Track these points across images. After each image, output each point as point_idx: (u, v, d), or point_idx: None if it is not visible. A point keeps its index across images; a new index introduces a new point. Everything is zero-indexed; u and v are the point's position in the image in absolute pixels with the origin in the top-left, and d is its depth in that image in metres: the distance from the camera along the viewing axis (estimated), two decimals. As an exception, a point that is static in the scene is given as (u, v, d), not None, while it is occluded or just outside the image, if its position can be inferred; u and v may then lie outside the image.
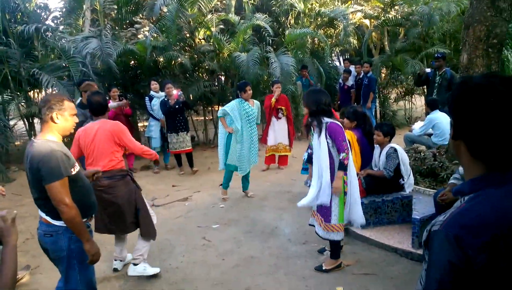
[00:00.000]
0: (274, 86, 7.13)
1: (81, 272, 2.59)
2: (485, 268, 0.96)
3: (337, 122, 3.58)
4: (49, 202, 2.43)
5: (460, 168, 3.88)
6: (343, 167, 3.48)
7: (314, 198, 3.67)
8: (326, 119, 3.56)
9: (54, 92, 8.58)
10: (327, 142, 3.52)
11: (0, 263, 1.67)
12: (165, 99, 7.12)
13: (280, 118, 7.20)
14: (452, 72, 7.72)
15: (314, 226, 3.80)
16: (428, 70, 7.84)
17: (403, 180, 4.54)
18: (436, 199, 3.75)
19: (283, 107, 7.12)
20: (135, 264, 3.72)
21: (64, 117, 2.51)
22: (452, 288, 1.00)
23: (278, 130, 7.20)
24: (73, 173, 2.48)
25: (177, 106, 7.01)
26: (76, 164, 2.58)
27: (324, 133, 3.53)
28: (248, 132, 5.72)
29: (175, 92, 7.14)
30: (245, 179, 5.95)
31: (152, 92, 7.51)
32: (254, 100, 5.90)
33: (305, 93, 3.83)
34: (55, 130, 2.50)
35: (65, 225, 2.46)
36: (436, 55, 7.87)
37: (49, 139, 2.47)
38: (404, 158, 4.50)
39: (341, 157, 3.47)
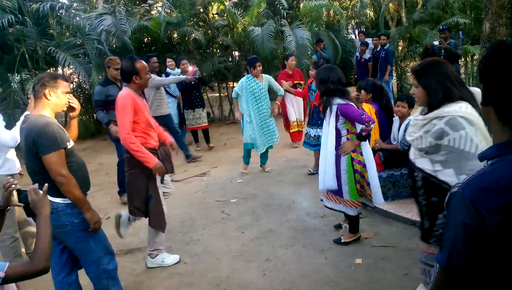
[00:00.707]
0: (288, 59, 6.95)
1: (95, 240, 2.64)
2: (498, 230, 0.98)
3: (348, 102, 3.45)
4: (47, 178, 2.42)
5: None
6: (361, 137, 3.43)
7: (321, 182, 3.64)
8: (337, 100, 3.45)
9: (71, 70, 8.67)
10: (337, 122, 3.47)
11: (37, 231, 1.77)
12: (181, 75, 7.13)
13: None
14: (456, 42, 7.67)
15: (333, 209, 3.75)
16: (436, 43, 7.75)
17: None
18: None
19: (301, 82, 7.00)
20: (152, 257, 3.61)
21: (57, 94, 2.53)
22: (465, 248, 1.03)
23: (296, 105, 7.07)
24: (69, 146, 2.52)
25: (192, 82, 7.01)
26: (71, 139, 2.61)
27: (334, 115, 3.46)
28: (255, 110, 5.60)
29: (190, 68, 7.14)
30: (264, 155, 5.96)
31: (168, 69, 7.48)
32: (263, 75, 5.75)
33: (316, 72, 3.76)
34: (48, 107, 2.53)
35: (64, 201, 2.50)
36: (441, 28, 7.81)
37: (43, 114, 2.50)
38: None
39: (359, 129, 3.42)
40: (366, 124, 3.37)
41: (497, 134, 1.12)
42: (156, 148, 3.44)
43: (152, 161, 3.25)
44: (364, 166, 3.52)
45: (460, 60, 8.37)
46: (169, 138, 3.70)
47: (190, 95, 7.18)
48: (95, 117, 5.67)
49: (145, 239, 3.86)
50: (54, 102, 2.54)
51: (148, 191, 3.35)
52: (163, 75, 7.62)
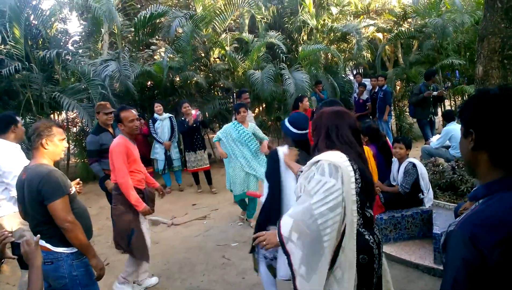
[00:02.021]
0: (303, 101, 6.69)
1: None
2: (499, 264, 0.99)
3: None
4: (50, 228, 2.44)
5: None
6: None
7: None
8: None
9: (74, 114, 8.83)
10: None
11: (28, 283, 1.77)
12: (183, 118, 7.25)
13: None
14: (437, 86, 8.62)
15: None
16: (435, 93, 8.19)
17: (423, 194, 4.51)
18: (457, 213, 3.71)
19: None
20: (118, 282, 3.83)
21: (54, 142, 2.57)
22: (467, 285, 1.03)
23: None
24: (71, 192, 2.54)
25: (194, 125, 7.13)
26: (73, 186, 2.64)
27: None
28: (241, 155, 5.40)
29: (193, 112, 7.27)
30: (250, 207, 5.63)
31: (155, 115, 7.55)
32: (249, 123, 5.62)
33: (317, 108, 3.76)
34: (46, 156, 2.57)
35: (66, 251, 2.49)
36: (431, 71, 8.44)
37: (42, 163, 2.53)
38: (423, 173, 4.47)
39: None
40: None
41: (486, 177, 1.17)
42: (142, 189, 3.82)
43: (141, 205, 3.65)
44: None
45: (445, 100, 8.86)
46: (156, 183, 4.14)
47: (191, 137, 7.27)
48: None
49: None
50: (52, 151, 2.58)
51: (131, 225, 3.65)
52: (150, 120, 7.73)
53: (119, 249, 3.85)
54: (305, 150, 2.93)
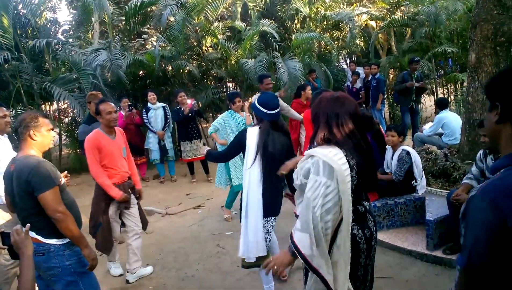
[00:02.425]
0: (306, 90, 6.81)
1: (85, 285, 2.57)
2: None
3: None
4: (41, 219, 2.43)
5: (473, 168, 3.87)
6: None
7: None
8: None
9: (66, 104, 8.74)
10: None
11: (20, 272, 1.77)
12: (178, 107, 7.20)
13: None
14: (420, 74, 8.75)
15: None
16: (417, 84, 8.34)
17: (416, 182, 4.54)
18: (449, 200, 3.74)
19: None
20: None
21: (41, 133, 2.55)
22: (486, 246, 1.09)
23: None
24: (61, 183, 2.52)
25: (190, 114, 7.09)
26: (62, 177, 2.62)
27: None
28: None
29: (189, 101, 7.22)
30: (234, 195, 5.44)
31: (149, 104, 7.50)
32: (243, 113, 5.44)
33: (312, 97, 3.74)
34: (35, 147, 2.55)
35: (57, 243, 2.48)
36: (415, 59, 8.47)
37: (30, 154, 2.51)
38: (417, 160, 4.50)
39: None
40: None
41: (507, 148, 1.23)
42: (118, 184, 3.79)
43: (117, 194, 3.71)
44: None
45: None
46: (139, 185, 4.10)
47: (187, 127, 7.23)
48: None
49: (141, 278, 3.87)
50: (40, 142, 2.56)
51: (99, 218, 3.73)
52: (143, 109, 7.67)
53: (91, 233, 3.81)
54: (277, 129, 3.13)
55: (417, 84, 8.28)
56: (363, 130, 2.07)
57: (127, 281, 3.93)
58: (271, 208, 3.20)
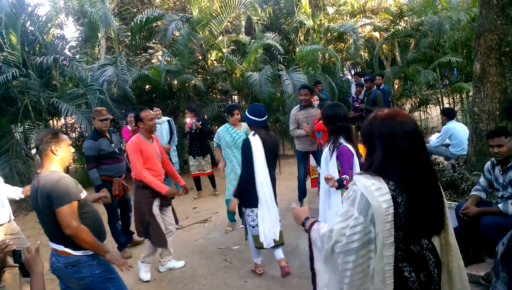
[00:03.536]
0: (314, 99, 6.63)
1: (116, 289, 2.71)
2: None
3: (349, 145, 3.41)
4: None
5: (481, 179, 3.84)
6: (341, 184, 3.30)
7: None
8: (341, 140, 3.43)
9: (73, 120, 8.82)
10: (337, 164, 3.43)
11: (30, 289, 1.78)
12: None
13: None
14: (377, 92, 8.58)
15: None
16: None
17: None
18: (458, 213, 3.70)
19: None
20: (140, 261, 4.33)
21: (62, 148, 2.65)
22: None
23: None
24: (82, 197, 2.60)
25: (192, 131, 7.13)
26: (84, 190, 2.70)
27: (335, 154, 3.41)
28: (235, 159, 5.19)
29: (188, 120, 7.26)
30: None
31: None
32: (242, 123, 5.31)
33: (323, 109, 3.75)
34: (56, 163, 2.64)
35: (84, 254, 2.57)
36: (366, 78, 8.62)
37: (53, 170, 2.61)
38: None
39: (343, 177, 3.33)
40: (350, 178, 3.29)
41: None
42: None
43: (163, 189, 4.09)
44: None
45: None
46: (182, 181, 4.63)
47: (191, 143, 7.33)
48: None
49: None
50: (61, 157, 2.66)
51: (146, 217, 4.07)
52: None
53: (141, 236, 4.29)
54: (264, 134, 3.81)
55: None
56: (425, 155, 1.74)
57: (158, 270, 4.43)
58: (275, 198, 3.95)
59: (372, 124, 1.75)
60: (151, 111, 4.17)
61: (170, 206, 4.41)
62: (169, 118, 7.73)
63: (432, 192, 1.71)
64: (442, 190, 1.79)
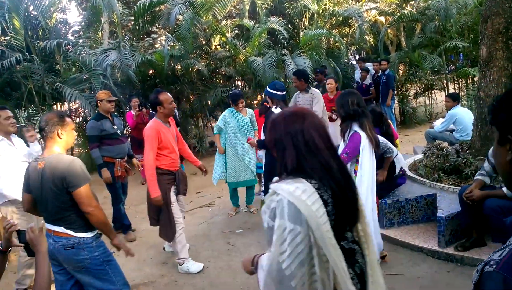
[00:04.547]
0: (327, 82, 6.69)
1: (115, 273, 2.75)
2: None
3: (362, 133, 3.41)
4: (71, 214, 2.58)
5: (485, 164, 3.83)
6: None
7: None
8: (354, 127, 3.43)
9: (77, 104, 8.84)
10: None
11: (36, 268, 1.81)
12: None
13: (334, 120, 6.14)
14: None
15: None
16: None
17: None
18: (461, 196, 3.71)
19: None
20: (180, 264, 4.09)
21: (67, 132, 2.67)
22: None
23: (333, 134, 6.59)
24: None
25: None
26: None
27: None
28: (240, 144, 5.30)
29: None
30: (249, 193, 5.67)
31: None
32: (247, 109, 5.49)
33: (337, 97, 3.73)
34: (60, 146, 2.66)
35: (85, 236, 2.62)
36: (317, 70, 8.32)
37: (60, 153, 2.63)
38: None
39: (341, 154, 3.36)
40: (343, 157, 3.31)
41: None
42: (175, 171, 4.01)
43: (155, 193, 3.77)
44: None
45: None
46: (198, 161, 4.46)
47: None
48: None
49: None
50: (66, 140, 2.68)
51: (161, 204, 3.85)
52: (152, 112, 7.69)
53: (154, 224, 4.06)
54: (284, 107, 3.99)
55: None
56: (333, 149, 1.67)
57: (164, 249, 4.58)
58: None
59: (275, 128, 1.67)
60: (169, 94, 3.92)
61: (184, 196, 4.29)
62: None
63: (348, 183, 1.64)
64: (353, 179, 1.72)
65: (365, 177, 3.45)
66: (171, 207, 3.94)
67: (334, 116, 6.14)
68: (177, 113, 7.67)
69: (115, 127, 4.95)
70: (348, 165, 3.45)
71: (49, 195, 2.55)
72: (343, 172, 1.63)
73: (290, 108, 1.78)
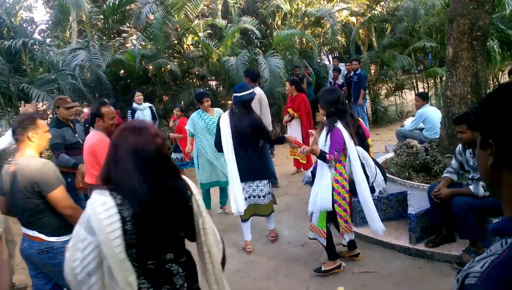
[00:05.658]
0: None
1: None
2: None
3: (343, 130, 3.46)
4: (43, 218, 2.52)
5: (453, 161, 3.93)
6: (323, 156, 3.42)
7: (313, 203, 3.62)
8: (338, 124, 3.48)
9: (45, 106, 8.58)
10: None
11: None
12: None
13: (287, 121, 6.86)
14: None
15: (316, 239, 3.72)
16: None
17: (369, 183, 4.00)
18: (430, 195, 3.80)
19: (288, 110, 6.84)
20: None
21: (39, 135, 2.61)
22: None
23: (290, 132, 6.79)
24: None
25: None
26: None
27: (330, 137, 3.49)
28: (208, 145, 5.20)
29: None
30: (223, 194, 5.64)
31: (134, 104, 7.34)
32: (214, 109, 5.48)
33: (320, 94, 3.74)
34: (32, 149, 2.59)
35: (59, 240, 2.57)
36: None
37: (32, 155, 2.57)
38: (365, 157, 3.88)
39: (326, 152, 3.44)
40: (329, 158, 3.42)
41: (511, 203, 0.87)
42: None
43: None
44: (343, 186, 3.53)
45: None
46: None
47: None
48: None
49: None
50: (38, 143, 2.62)
51: None
52: (129, 110, 7.56)
53: None
54: (246, 110, 4.08)
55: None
56: (162, 169, 1.69)
57: None
58: (247, 174, 4.06)
59: (115, 136, 1.72)
60: (112, 108, 3.57)
61: None
62: (151, 104, 7.59)
63: (160, 207, 1.63)
64: (194, 203, 1.81)
65: (357, 167, 3.55)
66: None
67: (286, 118, 6.82)
68: (154, 108, 7.56)
69: (77, 135, 4.66)
70: (330, 171, 3.52)
71: (21, 199, 2.50)
72: (156, 196, 1.62)
73: (133, 121, 1.86)
